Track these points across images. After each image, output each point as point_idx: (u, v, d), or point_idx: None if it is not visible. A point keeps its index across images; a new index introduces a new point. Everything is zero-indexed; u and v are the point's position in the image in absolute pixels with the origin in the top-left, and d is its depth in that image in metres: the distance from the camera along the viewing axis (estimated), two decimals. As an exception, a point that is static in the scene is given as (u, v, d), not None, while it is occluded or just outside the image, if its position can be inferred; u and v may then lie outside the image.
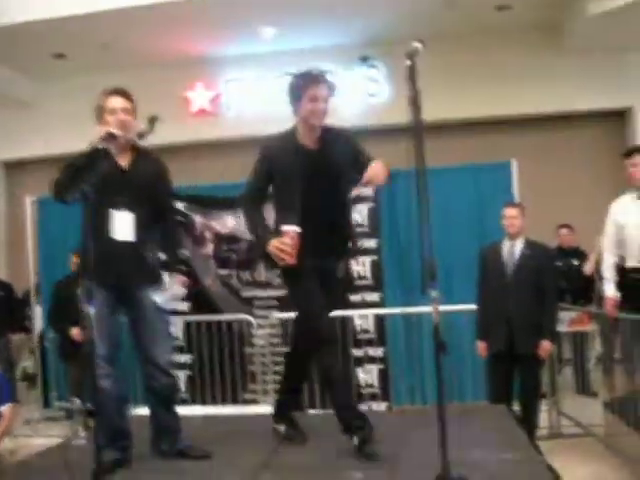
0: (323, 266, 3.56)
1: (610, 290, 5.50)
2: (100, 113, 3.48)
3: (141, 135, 3.31)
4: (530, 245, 5.30)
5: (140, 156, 3.54)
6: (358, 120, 9.14)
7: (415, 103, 2.60)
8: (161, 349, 3.53)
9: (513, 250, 5.27)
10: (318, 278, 3.51)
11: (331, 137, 3.57)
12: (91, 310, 3.17)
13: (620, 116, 9.46)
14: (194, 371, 6.89)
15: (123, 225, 3.42)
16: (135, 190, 3.48)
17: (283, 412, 3.90)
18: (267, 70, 9.42)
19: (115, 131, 3.30)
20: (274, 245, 3.37)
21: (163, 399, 3.58)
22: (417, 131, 2.64)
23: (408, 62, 2.62)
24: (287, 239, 3.34)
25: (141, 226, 3.49)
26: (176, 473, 3.37)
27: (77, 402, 6.58)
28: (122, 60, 8.96)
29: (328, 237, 3.54)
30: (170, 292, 3.59)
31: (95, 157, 3.25)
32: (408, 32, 8.06)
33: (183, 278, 3.69)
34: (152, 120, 3.28)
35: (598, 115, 9.40)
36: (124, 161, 3.49)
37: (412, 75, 2.57)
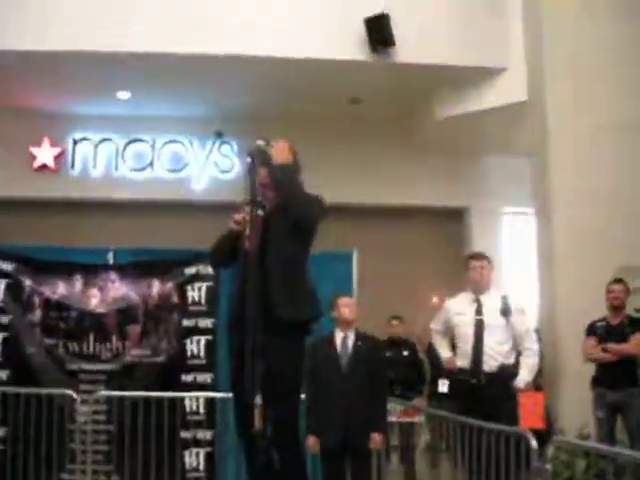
0: None
1: (445, 353, 5.59)
2: None
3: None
4: (361, 337, 5.26)
5: None
6: (208, 195, 9.10)
7: (252, 200, 2.57)
8: None
9: (346, 342, 5.19)
10: None
11: None
12: None
13: (458, 215, 9.93)
14: (7, 446, 6.34)
15: None
16: None
17: None
18: (117, 133, 9.25)
19: None
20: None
21: None
22: (252, 226, 2.61)
23: (248, 159, 2.60)
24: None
25: None
26: None
27: None
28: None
29: None
30: None
31: None
32: (264, 112, 8.22)
33: None
34: None
35: (438, 212, 9.77)
36: None
37: (251, 172, 2.55)
